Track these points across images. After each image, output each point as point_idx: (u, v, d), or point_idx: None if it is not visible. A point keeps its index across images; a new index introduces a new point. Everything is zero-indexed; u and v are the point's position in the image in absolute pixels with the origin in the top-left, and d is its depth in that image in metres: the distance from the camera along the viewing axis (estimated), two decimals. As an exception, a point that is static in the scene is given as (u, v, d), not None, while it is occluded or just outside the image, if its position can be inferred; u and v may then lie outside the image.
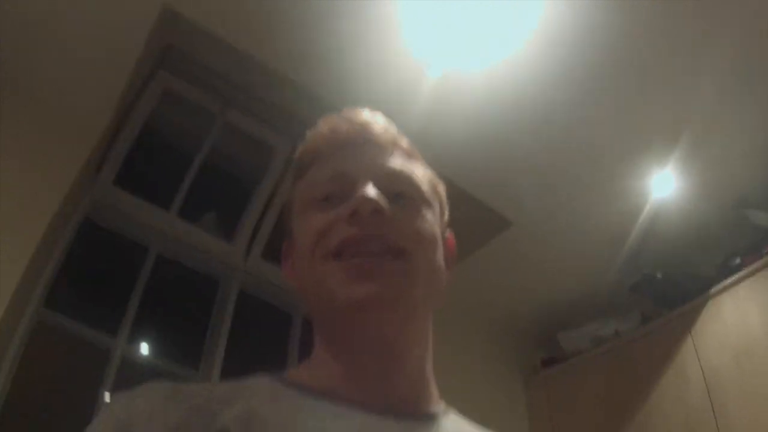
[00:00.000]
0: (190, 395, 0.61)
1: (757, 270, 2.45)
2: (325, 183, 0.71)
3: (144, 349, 2.38)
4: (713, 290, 2.58)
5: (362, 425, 0.62)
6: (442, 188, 0.79)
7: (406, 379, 0.68)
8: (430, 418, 0.68)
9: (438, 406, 0.72)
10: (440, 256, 0.72)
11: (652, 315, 2.82)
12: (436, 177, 0.79)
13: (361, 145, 0.74)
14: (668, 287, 2.73)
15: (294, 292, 0.73)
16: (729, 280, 2.54)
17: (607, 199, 2.73)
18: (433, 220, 0.72)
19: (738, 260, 2.53)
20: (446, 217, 0.79)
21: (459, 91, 2.30)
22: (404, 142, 0.77)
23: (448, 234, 0.78)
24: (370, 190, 0.67)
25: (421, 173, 0.75)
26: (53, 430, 2.09)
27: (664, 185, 2.64)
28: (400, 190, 0.71)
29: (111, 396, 0.61)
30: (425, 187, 0.74)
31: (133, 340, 2.32)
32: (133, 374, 2.25)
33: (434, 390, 0.72)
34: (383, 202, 0.67)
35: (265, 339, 2.76)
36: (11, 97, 1.90)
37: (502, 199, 2.72)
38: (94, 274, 2.35)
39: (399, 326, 0.66)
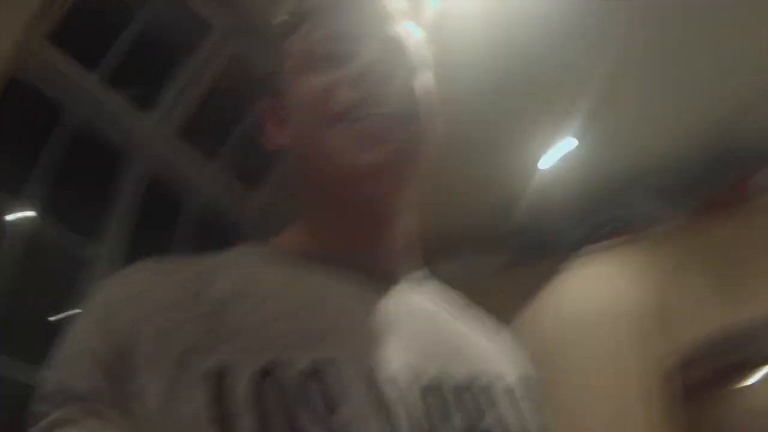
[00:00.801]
0: (180, 270, 0.60)
1: (622, 244, 2.87)
2: (327, 41, 0.67)
3: (43, 210, 2.26)
4: (575, 253, 2.98)
5: (356, 288, 0.64)
6: (432, 52, 0.77)
7: (398, 244, 0.69)
8: (419, 281, 0.70)
9: (425, 270, 0.73)
10: (438, 120, 0.70)
11: (520, 260, 3.18)
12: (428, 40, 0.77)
13: (365, 4, 0.70)
14: (541, 240, 3.09)
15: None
16: (595, 247, 2.94)
17: (511, 152, 2.98)
18: (431, 85, 0.70)
19: (608, 231, 2.93)
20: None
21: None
22: (403, 4, 0.73)
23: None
24: (379, 53, 0.65)
25: (420, 36, 0.72)
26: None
27: (564, 150, 2.95)
28: (405, 53, 0.68)
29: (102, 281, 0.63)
30: (424, 51, 0.71)
31: (35, 203, 2.20)
32: (34, 239, 2.16)
33: (419, 255, 0.73)
34: (391, 65, 0.65)
35: (160, 216, 2.71)
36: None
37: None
38: (10, 132, 2.15)
39: (400, 191, 0.67)
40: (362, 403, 0.53)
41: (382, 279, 0.66)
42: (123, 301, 0.56)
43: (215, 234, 2.84)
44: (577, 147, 2.93)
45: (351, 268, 0.65)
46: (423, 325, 0.66)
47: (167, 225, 2.66)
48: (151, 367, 0.51)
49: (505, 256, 3.24)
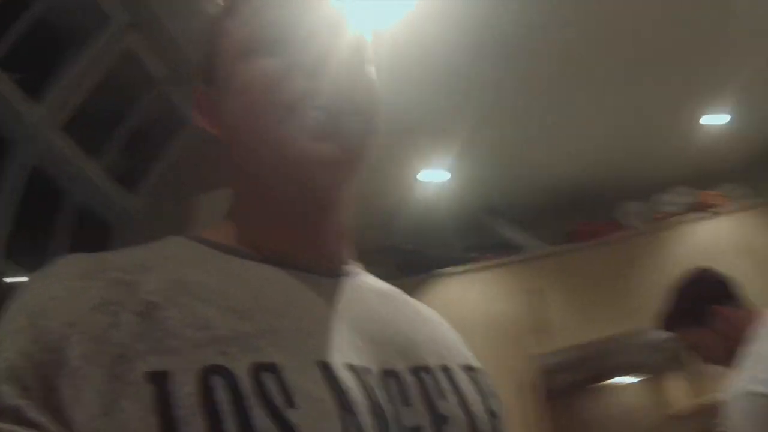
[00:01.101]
0: (109, 267, 0.56)
1: (484, 268, 3.15)
2: (277, 25, 0.64)
3: None
4: (446, 271, 3.22)
5: (299, 282, 0.63)
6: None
7: (334, 238, 0.69)
8: (353, 274, 0.71)
9: (354, 264, 0.74)
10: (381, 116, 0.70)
11: (390, 277, 3.36)
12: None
13: None
14: (411, 258, 3.29)
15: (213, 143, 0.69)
16: (460, 268, 3.19)
17: (390, 175, 3.17)
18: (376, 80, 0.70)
19: (472, 254, 3.19)
20: None
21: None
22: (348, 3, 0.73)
23: None
24: (334, 42, 0.64)
25: (365, 31, 0.72)
26: None
27: (436, 177, 3.18)
28: (354, 45, 0.67)
29: (25, 281, 0.62)
30: (370, 44, 0.71)
31: None
32: None
33: (352, 248, 0.74)
34: (346, 55, 0.65)
35: (39, 214, 2.59)
36: None
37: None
38: None
39: (346, 184, 0.67)
40: (321, 394, 0.52)
41: (324, 271, 0.67)
42: (50, 301, 0.53)
43: (96, 229, 2.76)
44: (449, 178, 3.18)
45: (291, 262, 0.65)
46: (374, 312, 0.67)
47: (47, 216, 2.56)
48: (84, 371, 0.48)
49: (380, 270, 3.40)
